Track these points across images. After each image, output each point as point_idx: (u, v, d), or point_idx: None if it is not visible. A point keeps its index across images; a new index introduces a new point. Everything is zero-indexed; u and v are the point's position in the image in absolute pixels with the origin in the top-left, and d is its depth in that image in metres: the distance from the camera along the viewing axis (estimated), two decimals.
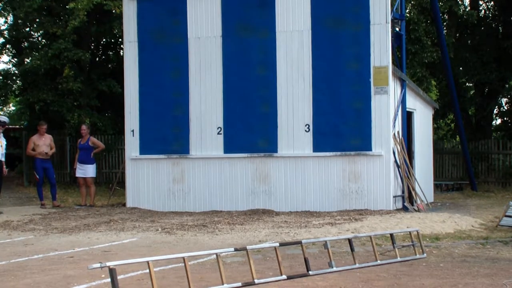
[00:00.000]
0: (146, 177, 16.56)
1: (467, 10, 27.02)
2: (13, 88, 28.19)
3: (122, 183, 19.48)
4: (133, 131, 16.69)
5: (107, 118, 26.63)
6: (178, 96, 16.37)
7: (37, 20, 25.15)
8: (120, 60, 22.83)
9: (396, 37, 16.53)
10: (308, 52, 15.54)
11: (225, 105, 15.97)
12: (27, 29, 27.10)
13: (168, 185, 16.20)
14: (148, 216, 14.97)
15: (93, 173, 17.92)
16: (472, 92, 28.03)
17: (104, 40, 26.72)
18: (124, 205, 16.95)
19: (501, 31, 27.42)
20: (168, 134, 16.37)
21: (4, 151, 16.36)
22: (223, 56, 15.96)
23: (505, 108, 28.94)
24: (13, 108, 42.20)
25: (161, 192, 16.30)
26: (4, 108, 38.82)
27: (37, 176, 17.62)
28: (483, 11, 28.64)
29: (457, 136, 25.88)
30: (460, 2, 27.45)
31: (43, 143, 17.52)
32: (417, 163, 17.37)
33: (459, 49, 25.96)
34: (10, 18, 28.47)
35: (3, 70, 28.97)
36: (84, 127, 18.39)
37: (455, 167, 25.44)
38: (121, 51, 18.73)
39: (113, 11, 23.33)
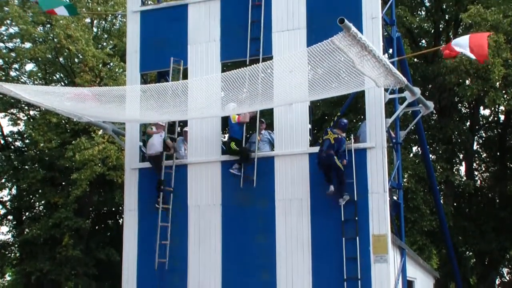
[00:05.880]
0: None
1: (463, 180, 27.42)
2: (9, 259, 27.99)
3: None
4: None
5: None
6: (176, 264, 16.19)
7: (39, 190, 25.48)
8: (119, 228, 22.86)
9: (394, 205, 16.65)
10: (307, 220, 15.51)
11: (224, 274, 15.76)
12: (29, 198, 27.35)
13: None
14: None
15: None
16: (473, 261, 27.81)
17: (105, 208, 26.94)
18: None
19: (497, 200, 27.68)
20: None
21: None
22: (222, 225, 15.96)
23: (507, 278, 28.60)
24: (9, 278, 41.58)
25: None
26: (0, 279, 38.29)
27: None
28: (478, 181, 29.07)
29: None
30: (456, 172, 27.93)
31: None
32: None
33: (457, 217, 26.07)
34: (14, 190, 28.66)
35: (1, 240, 28.89)
36: None
37: None
38: (121, 219, 18.80)
39: (115, 180, 23.71)
